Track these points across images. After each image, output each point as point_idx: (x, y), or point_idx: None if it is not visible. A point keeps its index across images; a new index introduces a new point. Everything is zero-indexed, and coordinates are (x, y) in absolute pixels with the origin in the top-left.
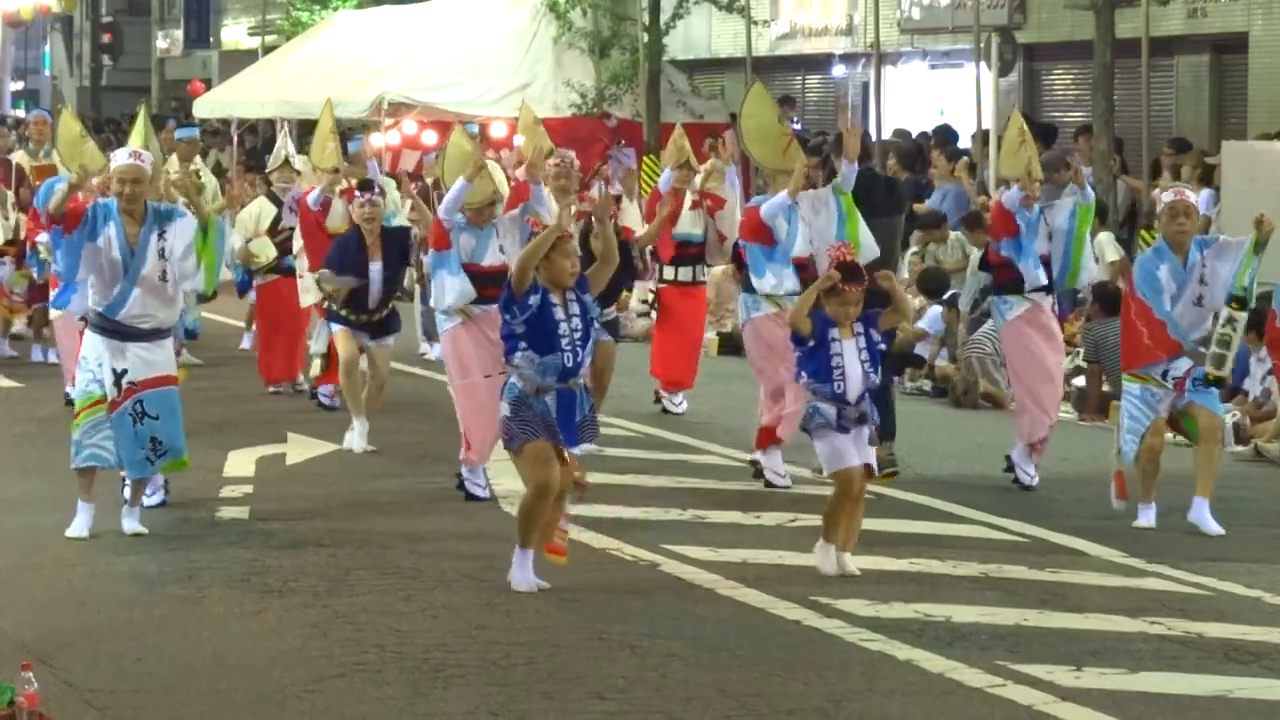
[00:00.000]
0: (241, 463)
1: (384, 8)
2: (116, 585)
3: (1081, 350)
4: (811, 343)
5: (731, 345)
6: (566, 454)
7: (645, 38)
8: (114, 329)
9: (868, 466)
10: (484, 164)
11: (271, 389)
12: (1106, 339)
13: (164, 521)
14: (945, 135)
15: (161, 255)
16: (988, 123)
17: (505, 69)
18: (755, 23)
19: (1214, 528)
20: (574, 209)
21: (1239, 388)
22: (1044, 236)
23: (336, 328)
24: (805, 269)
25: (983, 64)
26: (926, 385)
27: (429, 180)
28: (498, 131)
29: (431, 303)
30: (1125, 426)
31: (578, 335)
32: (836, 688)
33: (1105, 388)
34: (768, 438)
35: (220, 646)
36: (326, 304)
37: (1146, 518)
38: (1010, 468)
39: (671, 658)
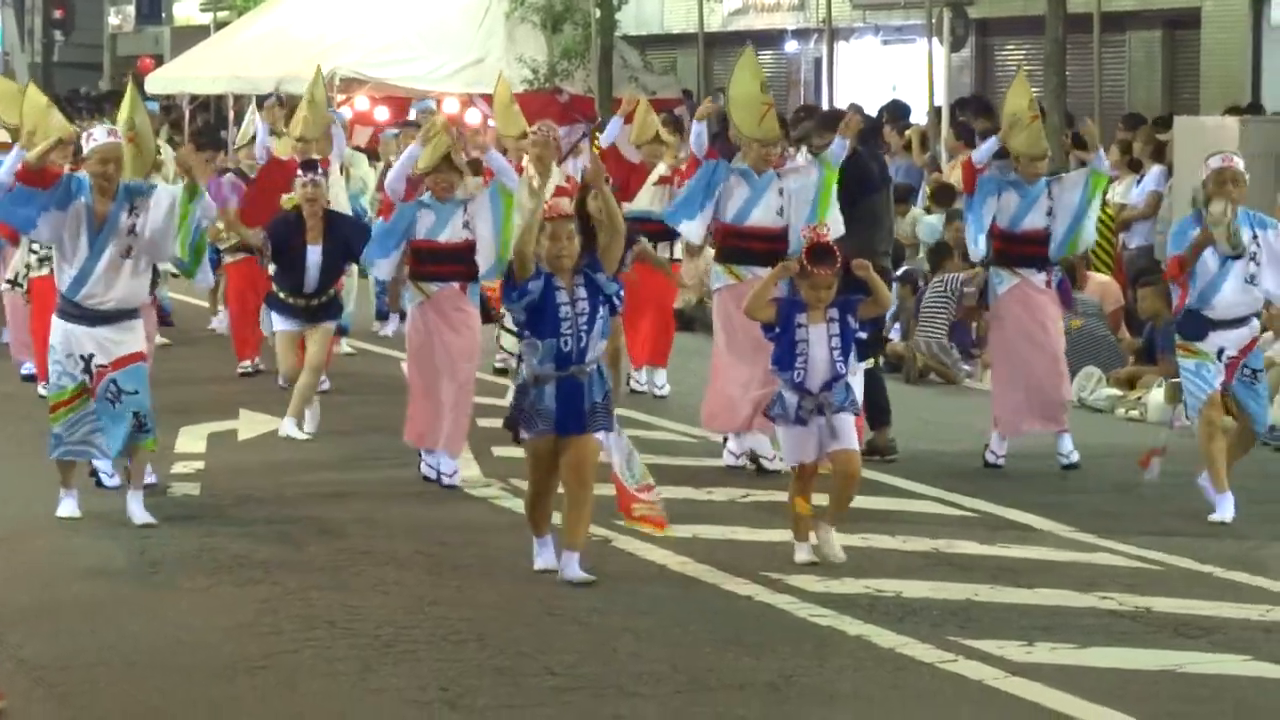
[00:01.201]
0: (192, 439)
1: None
2: (70, 562)
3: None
4: (777, 328)
5: (682, 321)
6: (590, 439)
7: (598, 13)
8: (77, 313)
9: (836, 454)
10: (444, 130)
11: (241, 369)
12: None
13: (116, 499)
14: (897, 111)
15: (132, 231)
16: (940, 98)
17: (458, 44)
18: None
19: (1223, 516)
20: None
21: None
22: (1043, 211)
23: (278, 324)
24: (778, 240)
25: (935, 39)
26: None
27: (391, 158)
28: (449, 107)
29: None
30: (1188, 403)
31: (583, 320)
32: (787, 663)
33: None
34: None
35: (172, 623)
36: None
37: (1223, 510)
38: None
39: (623, 633)
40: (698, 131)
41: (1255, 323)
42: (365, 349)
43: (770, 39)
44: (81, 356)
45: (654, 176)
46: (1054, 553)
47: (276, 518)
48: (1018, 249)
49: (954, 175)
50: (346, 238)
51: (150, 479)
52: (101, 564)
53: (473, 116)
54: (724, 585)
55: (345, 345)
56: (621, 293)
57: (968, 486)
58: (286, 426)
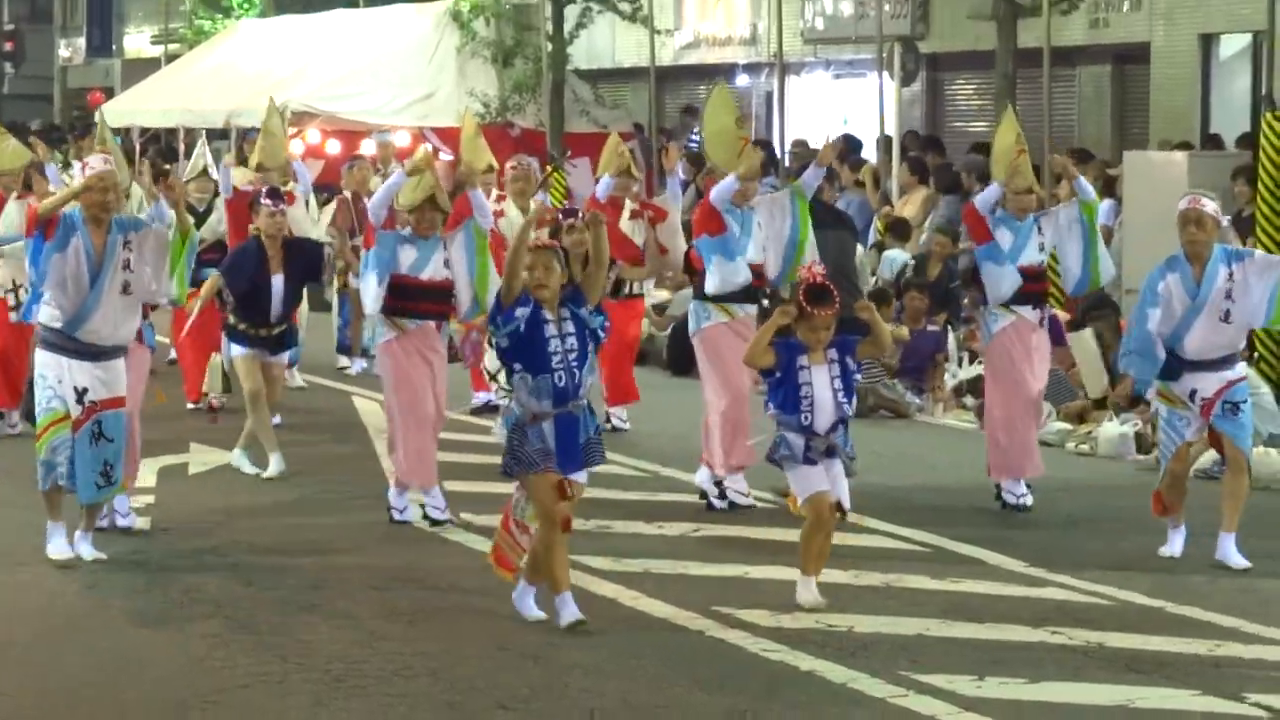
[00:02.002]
0: (143, 473)
1: (287, 16)
2: (19, 595)
3: (981, 358)
4: (778, 373)
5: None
6: (567, 483)
7: (549, 47)
8: (73, 347)
9: (838, 503)
10: (429, 167)
11: (191, 406)
12: None
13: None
14: (849, 145)
15: (126, 266)
16: (890, 132)
17: (409, 78)
18: (659, 32)
19: (1239, 562)
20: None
21: (1142, 397)
22: (1035, 247)
23: (237, 352)
24: (758, 276)
25: (885, 74)
26: None
27: (348, 193)
28: (400, 141)
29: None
30: (1161, 450)
31: (572, 355)
32: (739, 699)
33: None
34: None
35: (122, 656)
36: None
37: (1174, 545)
38: (998, 496)
39: (574, 668)
40: (671, 184)
41: (1240, 366)
42: (318, 383)
43: (721, 73)
44: (75, 388)
45: (626, 213)
46: (1005, 587)
47: (227, 552)
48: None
49: (906, 209)
50: (305, 262)
51: (127, 521)
52: (51, 598)
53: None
54: (675, 620)
55: (299, 378)
56: (606, 325)
57: (919, 520)
58: (236, 457)
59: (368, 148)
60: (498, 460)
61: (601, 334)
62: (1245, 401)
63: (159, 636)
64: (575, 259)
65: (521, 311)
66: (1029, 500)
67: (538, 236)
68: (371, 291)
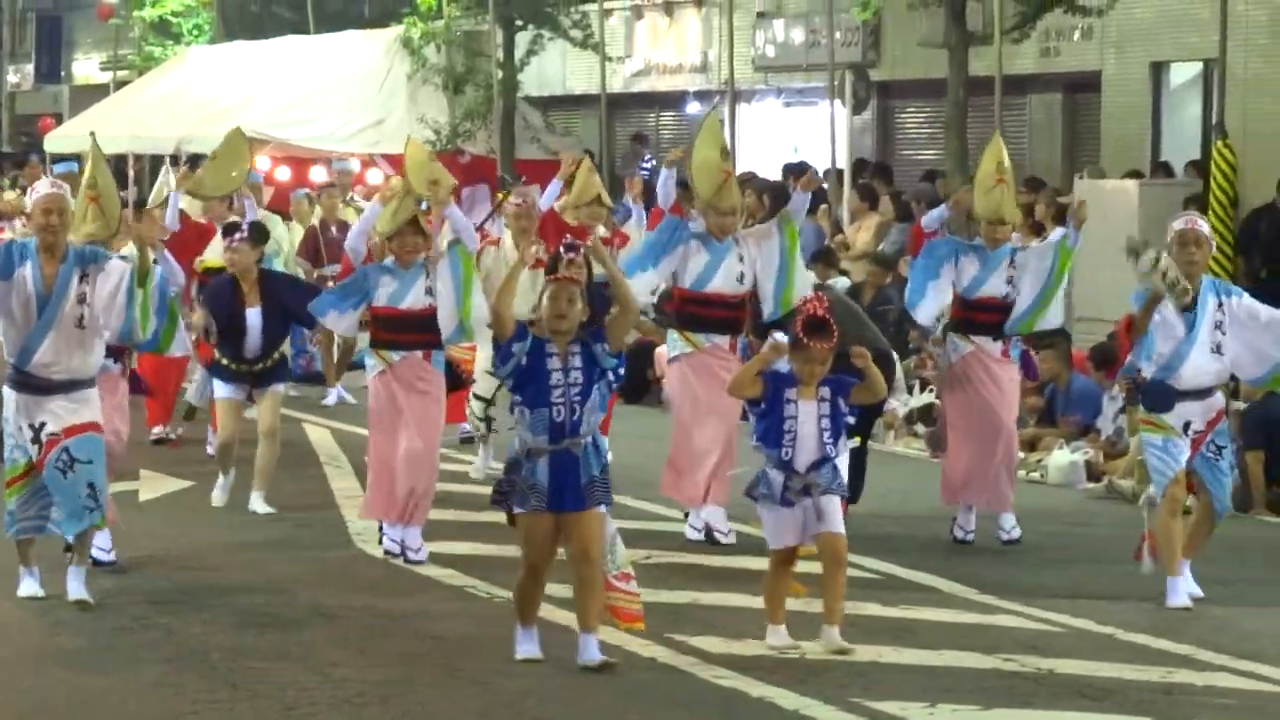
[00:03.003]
0: None
1: (237, 43)
2: None
3: (934, 388)
4: (764, 404)
5: None
6: (594, 514)
7: (499, 74)
8: (27, 382)
9: (822, 536)
10: (407, 194)
11: (153, 435)
12: None
13: (15, 558)
14: (800, 172)
15: (82, 300)
16: (841, 160)
17: (359, 104)
18: (609, 59)
19: (1193, 590)
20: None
21: (1091, 425)
22: (1003, 279)
23: (219, 391)
24: (738, 307)
25: (837, 101)
26: None
27: (315, 222)
28: (350, 168)
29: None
30: (1154, 480)
31: (575, 391)
32: None
33: None
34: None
35: (72, 683)
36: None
37: (1179, 596)
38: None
39: (526, 694)
40: (665, 178)
41: (1220, 396)
42: (285, 414)
43: (672, 100)
44: (31, 425)
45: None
46: (957, 614)
47: (179, 579)
48: (973, 316)
49: (857, 237)
50: (284, 297)
51: (109, 556)
52: (1, 622)
53: (374, 176)
54: (627, 647)
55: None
56: (621, 369)
57: (871, 548)
58: (255, 503)
59: (318, 175)
60: (458, 488)
61: (613, 377)
62: (1227, 446)
63: (110, 662)
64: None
65: (518, 346)
66: (972, 537)
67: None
68: (337, 318)
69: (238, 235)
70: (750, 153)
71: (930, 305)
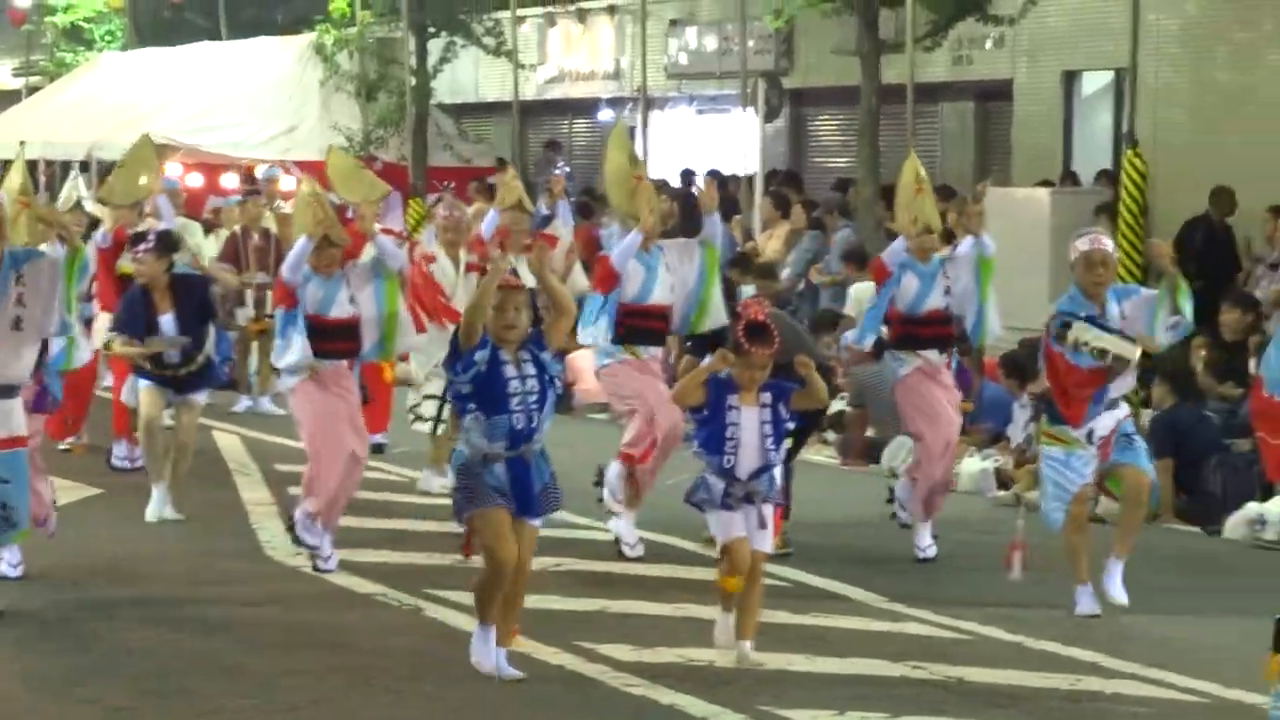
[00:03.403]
0: None
1: (149, 50)
2: None
3: (846, 395)
4: (706, 410)
5: None
6: (533, 529)
7: (412, 81)
8: None
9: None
10: (333, 222)
11: (63, 446)
12: (871, 383)
13: None
14: (715, 179)
15: (19, 301)
16: (753, 167)
17: (272, 111)
18: (522, 67)
19: (1120, 596)
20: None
21: (1002, 433)
22: (941, 290)
23: (142, 384)
24: (664, 319)
25: (749, 109)
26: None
27: (238, 228)
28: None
29: (272, 359)
30: (1049, 494)
31: (532, 398)
32: None
33: (869, 433)
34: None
35: None
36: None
37: (1087, 604)
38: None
39: (435, 701)
40: (563, 211)
41: (1125, 405)
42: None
43: (585, 107)
44: None
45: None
46: (867, 622)
47: (88, 583)
48: (919, 331)
49: (768, 245)
50: (197, 301)
51: (16, 572)
52: None
53: (287, 183)
54: (537, 655)
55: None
56: (563, 374)
57: (781, 555)
58: (157, 510)
59: (230, 181)
60: (366, 495)
61: (559, 382)
62: (1134, 433)
63: (17, 671)
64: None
65: (480, 355)
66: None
67: (503, 278)
68: (296, 345)
69: (143, 245)
70: (663, 160)
71: (874, 334)
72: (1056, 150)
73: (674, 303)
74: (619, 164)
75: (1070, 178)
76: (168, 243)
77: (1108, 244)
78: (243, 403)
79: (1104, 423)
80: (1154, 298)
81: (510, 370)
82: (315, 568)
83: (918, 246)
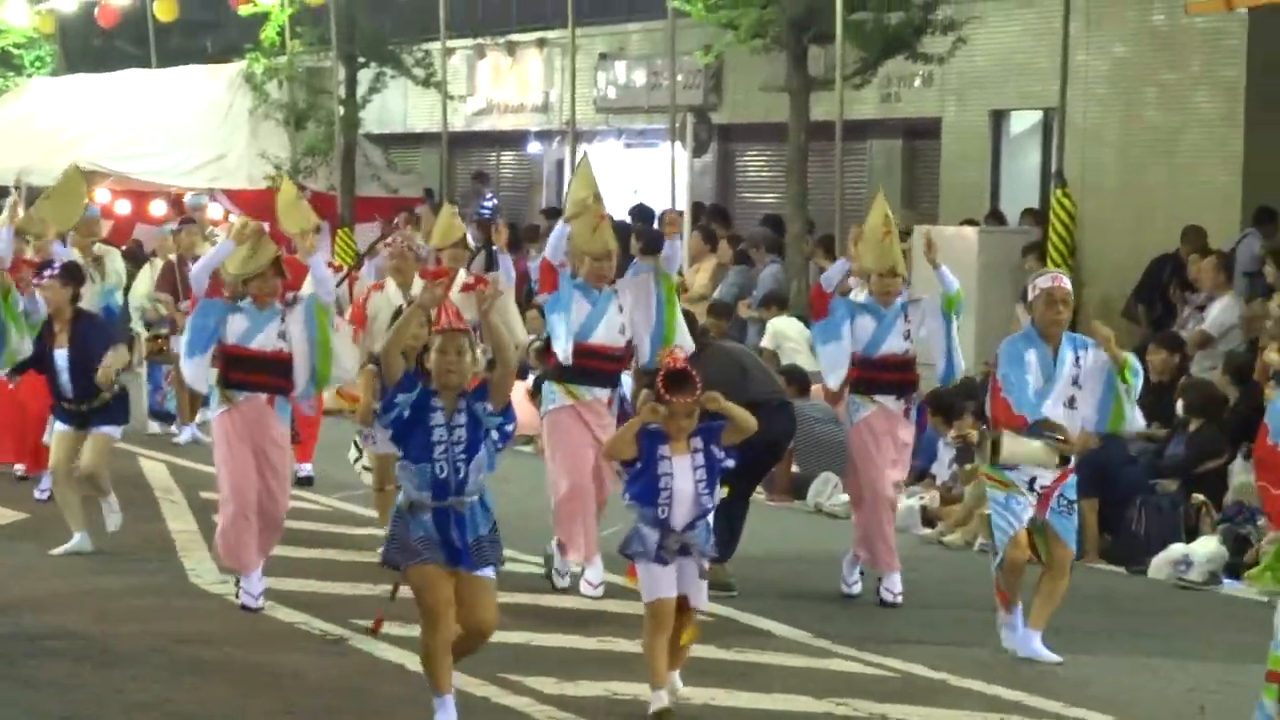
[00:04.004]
0: None
1: (79, 76)
2: None
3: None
4: (639, 463)
5: None
6: (483, 579)
7: (341, 111)
8: None
9: (684, 598)
10: (261, 229)
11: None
12: (798, 419)
13: None
14: (641, 215)
15: None
16: (682, 202)
17: (201, 139)
18: (451, 98)
19: (1047, 655)
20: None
21: (927, 471)
22: (900, 335)
23: (57, 427)
24: (620, 360)
25: (678, 143)
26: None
27: (173, 257)
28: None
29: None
30: (995, 537)
31: (459, 447)
32: None
33: (794, 469)
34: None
35: None
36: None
37: (1009, 638)
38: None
39: None
40: (559, 233)
41: (1071, 457)
42: (128, 450)
43: (513, 140)
44: None
45: (459, 284)
46: (791, 658)
47: (8, 609)
48: (876, 375)
49: (696, 279)
50: (88, 340)
51: None
52: None
53: (214, 211)
54: (462, 686)
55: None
56: (509, 427)
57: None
58: (76, 547)
59: (158, 208)
60: (301, 525)
61: (498, 436)
62: (1075, 501)
63: None
64: (410, 351)
65: (403, 397)
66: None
67: (450, 318)
68: (189, 367)
69: (47, 273)
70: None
71: (841, 370)
72: (984, 189)
73: (623, 345)
74: (583, 200)
75: (997, 217)
76: (73, 273)
77: (1068, 283)
78: (185, 433)
79: (1048, 473)
80: (1109, 371)
81: (439, 417)
82: (244, 608)
83: (880, 289)
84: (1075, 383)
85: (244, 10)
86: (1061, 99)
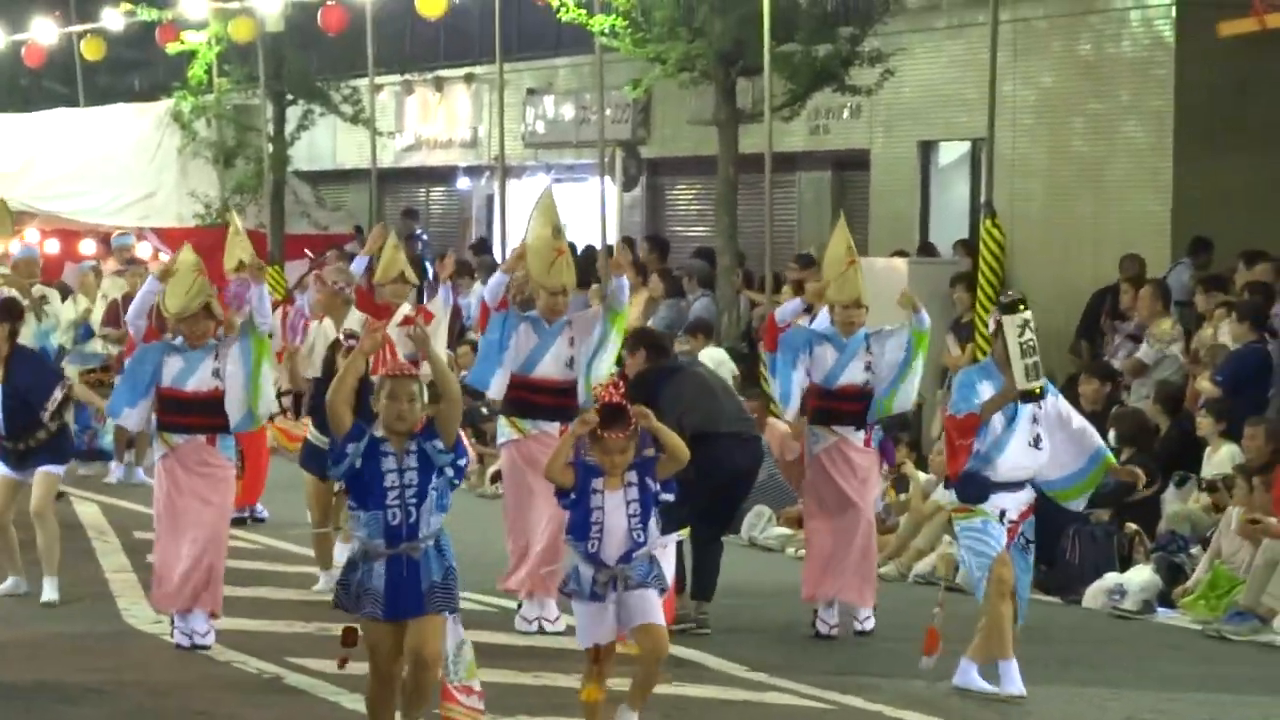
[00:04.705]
0: None
1: (6, 115)
2: None
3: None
4: (573, 494)
5: None
6: (433, 619)
7: (270, 148)
8: None
9: (640, 628)
10: (199, 271)
11: None
12: None
13: None
14: (569, 249)
15: None
16: (612, 236)
17: (130, 178)
18: (380, 134)
19: (985, 687)
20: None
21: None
22: (861, 366)
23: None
24: (567, 394)
25: (607, 178)
26: None
27: (119, 295)
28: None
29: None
30: (973, 565)
31: (410, 492)
32: None
33: None
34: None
35: None
36: None
37: (1011, 682)
38: (812, 622)
39: None
40: (498, 281)
41: (1032, 489)
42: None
43: (442, 175)
44: None
45: (398, 317)
46: (726, 691)
47: None
48: (835, 406)
49: (629, 312)
50: (21, 380)
51: None
52: None
53: (144, 250)
54: None
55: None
56: (462, 461)
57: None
58: (45, 591)
59: (87, 247)
60: (237, 564)
61: (452, 473)
62: (1033, 541)
63: None
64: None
65: (353, 447)
66: (836, 631)
67: (393, 363)
68: (130, 413)
69: None
70: (520, 228)
71: (798, 399)
72: (914, 220)
73: (573, 378)
74: (542, 235)
75: (928, 249)
76: (10, 309)
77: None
78: (116, 472)
79: (1012, 503)
80: (1085, 440)
81: (390, 463)
82: (193, 644)
83: (844, 319)
84: (1037, 422)
85: (171, 48)
86: (990, 130)
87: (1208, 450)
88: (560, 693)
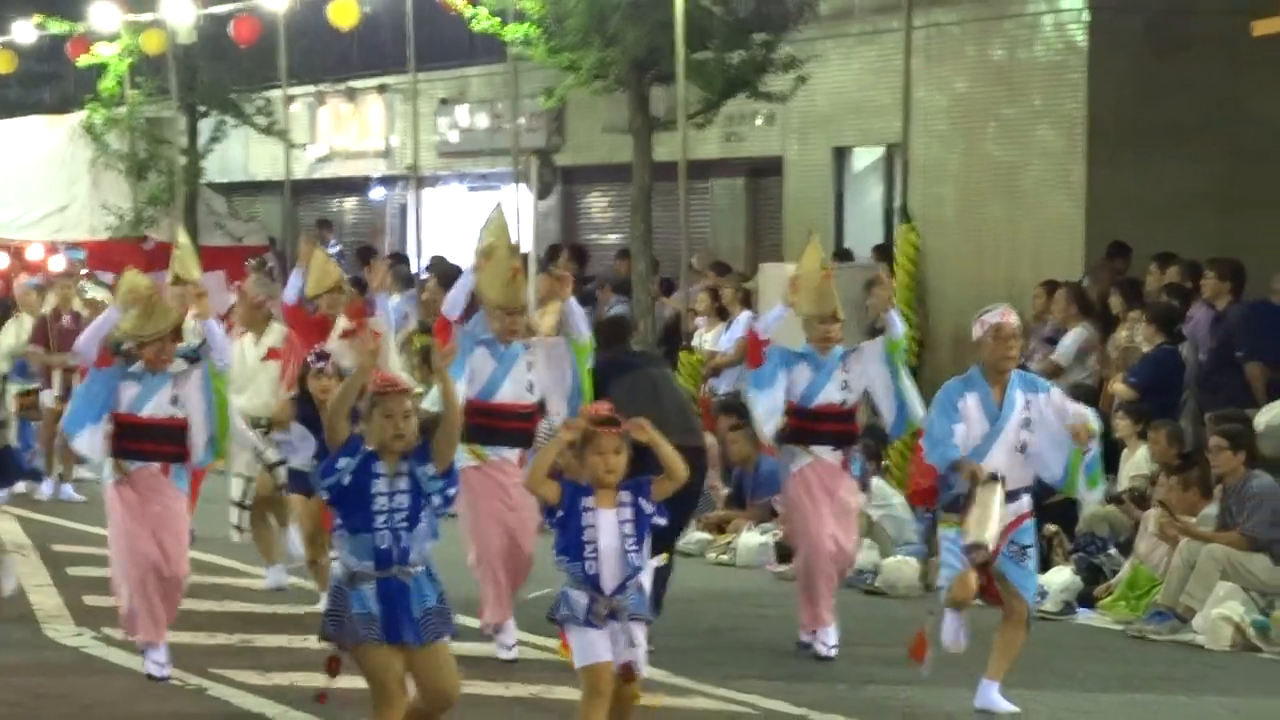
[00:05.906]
0: None
1: None
2: None
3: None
4: (560, 511)
5: None
6: (440, 648)
7: (182, 160)
8: None
9: (626, 666)
10: (156, 296)
11: None
12: None
13: None
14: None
15: None
16: (527, 245)
17: (42, 190)
18: (293, 146)
19: (1006, 706)
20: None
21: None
22: (838, 384)
23: None
24: (528, 418)
25: (521, 186)
26: None
27: (47, 311)
28: (34, 254)
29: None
30: (944, 576)
31: (399, 515)
32: None
33: None
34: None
35: None
36: None
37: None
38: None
39: None
40: (463, 283)
41: (1026, 499)
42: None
43: (355, 186)
44: None
45: (338, 329)
46: (646, 696)
47: None
48: (812, 425)
49: (545, 321)
50: None
51: None
52: None
53: (57, 264)
54: None
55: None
56: (450, 491)
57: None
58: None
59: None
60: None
61: (440, 501)
62: (1032, 545)
63: None
64: (321, 406)
65: (345, 462)
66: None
67: (389, 380)
68: (82, 437)
69: None
70: (434, 238)
71: (777, 418)
72: (829, 226)
73: (532, 403)
74: (501, 252)
75: (844, 255)
76: None
77: (1015, 318)
78: (46, 487)
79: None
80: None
81: (381, 484)
82: (151, 675)
83: (819, 335)
84: (1026, 427)
85: (82, 61)
86: (904, 135)
87: (1125, 451)
88: (530, 704)
